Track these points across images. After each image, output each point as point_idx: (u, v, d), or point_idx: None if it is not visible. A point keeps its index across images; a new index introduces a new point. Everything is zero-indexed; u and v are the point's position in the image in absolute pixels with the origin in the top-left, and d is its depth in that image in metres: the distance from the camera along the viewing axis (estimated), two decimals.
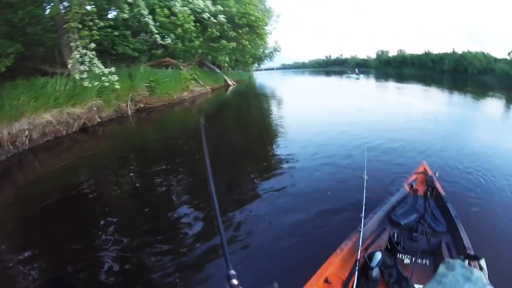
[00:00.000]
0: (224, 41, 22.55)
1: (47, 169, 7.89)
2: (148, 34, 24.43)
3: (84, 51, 10.83)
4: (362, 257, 2.73)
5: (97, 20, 11.56)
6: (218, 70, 30.70)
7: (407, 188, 4.16)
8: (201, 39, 22.18)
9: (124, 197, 5.85)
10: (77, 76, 10.65)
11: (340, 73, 60.70)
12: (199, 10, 18.56)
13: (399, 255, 3.01)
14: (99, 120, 12.62)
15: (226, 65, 25.34)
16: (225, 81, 30.93)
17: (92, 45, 11.23)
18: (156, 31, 13.07)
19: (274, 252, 3.61)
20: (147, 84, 15.89)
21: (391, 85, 33.16)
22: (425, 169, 4.66)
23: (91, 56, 10.92)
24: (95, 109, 12.39)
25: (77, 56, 10.66)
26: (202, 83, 23.39)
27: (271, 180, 5.88)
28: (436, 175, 4.31)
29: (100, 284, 3.35)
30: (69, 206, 5.36)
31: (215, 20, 17.69)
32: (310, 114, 13.28)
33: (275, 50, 49.92)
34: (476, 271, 1.83)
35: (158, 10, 20.96)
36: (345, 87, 30.65)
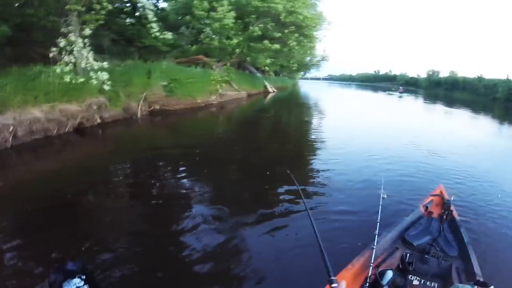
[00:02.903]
0: (266, 42, 20.05)
1: (29, 172, 6.89)
2: (189, 29, 22.82)
3: (74, 38, 8.67)
4: (373, 274, 2.69)
5: (105, 3, 9.53)
6: (258, 74, 28.30)
7: (422, 209, 4.16)
8: (241, 38, 19.83)
9: (116, 216, 4.82)
10: (57, 69, 8.55)
11: (387, 89, 59.06)
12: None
13: (409, 276, 2.99)
14: (100, 121, 10.60)
15: (267, 69, 22.68)
16: (265, 86, 28.51)
17: (87, 32, 9.11)
18: (154, 19, 10.25)
19: (284, 263, 3.55)
20: (164, 83, 13.57)
21: (436, 108, 31.10)
22: (441, 192, 4.61)
23: (81, 45, 8.73)
24: (94, 107, 10.36)
25: (63, 44, 8.52)
26: (236, 87, 20.92)
27: (286, 194, 5.55)
28: (452, 198, 4.26)
29: None
30: (49, 218, 4.55)
31: None
32: (342, 129, 13.06)
33: (323, 59, 47.30)
34: None
35: (196, 2, 19.01)
36: (386, 105, 29.67)
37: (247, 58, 22.06)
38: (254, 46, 20.68)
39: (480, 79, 65.91)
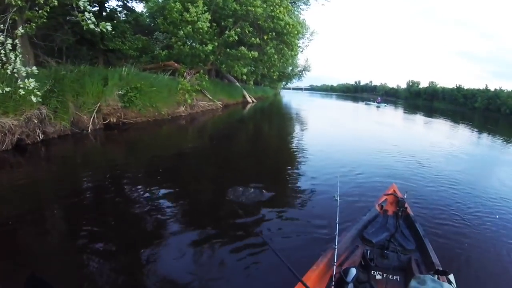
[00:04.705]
0: (243, 48, 18.67)
1: None
2: (164, 34, 21.23)
3: (2, 38, 7.15)
4: (337, 272, 2.77)
5: None
6: (237, 84, 26.90)
7: (378, 208, 4.29)
8: (216, 43, 18.37)
9: (64, 241, 4.28)
10: None
11: (366, 100, 61.86)
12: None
13: (372, 272, 3.11)
14: (43, 137, 9.02)
15: (245, 77, 21.26)
16: (244, 96, 27.15)
17: (20, 31, 7.60)
18: (87, 8, 8.03)
19: (251, 268, 3.60)
20: (120, 92, 11.76)
21: (412, 117, 33.01)
22: (394, 190, 4.77)
23: (9, 47, 7.18)
24: (35, 121, 8.76)
25: None
26: (210, 97, 19.43)
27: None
28: (405, 196, 4.49)
29: None
30: None
31: None
32: (315, 140, 13.25)
33: (305, 69, 47.64)
34: (446, 285, 2.16)
35: (170, 4, 17.51)
36: (361, 115, 31.11)
37: (222, 66, 20.54)
38: (230, 53, 19.27)
39: (459, 89, 67.38)
